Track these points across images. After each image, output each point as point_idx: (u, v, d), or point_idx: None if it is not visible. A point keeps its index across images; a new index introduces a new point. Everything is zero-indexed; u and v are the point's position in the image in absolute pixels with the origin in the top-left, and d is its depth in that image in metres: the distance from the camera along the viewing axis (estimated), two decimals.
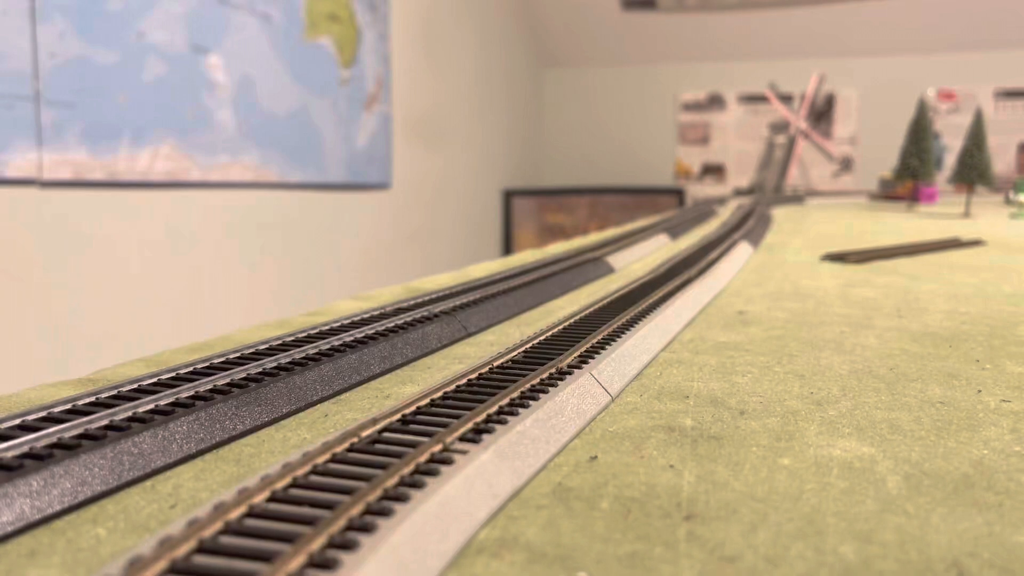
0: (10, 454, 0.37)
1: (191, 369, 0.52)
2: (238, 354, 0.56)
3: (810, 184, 4.60)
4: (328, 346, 0.59)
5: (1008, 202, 3.25)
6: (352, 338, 0.61)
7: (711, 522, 0.35)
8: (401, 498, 0.33)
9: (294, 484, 0.34)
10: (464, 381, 0.49)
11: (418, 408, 0.44)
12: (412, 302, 0.78)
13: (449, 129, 3.69)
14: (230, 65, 2.23)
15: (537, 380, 0.49)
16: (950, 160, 4.28)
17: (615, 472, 0.40)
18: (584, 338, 0.61)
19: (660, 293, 0.82)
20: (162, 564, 0.27)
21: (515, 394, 0.46)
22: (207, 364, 0.53)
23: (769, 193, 4.12)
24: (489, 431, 0.41)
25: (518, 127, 4.63)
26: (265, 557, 0.28)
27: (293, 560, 0.27)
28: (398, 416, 0.43)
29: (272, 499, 0.33)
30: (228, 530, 0.30)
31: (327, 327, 0.66)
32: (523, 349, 0.57)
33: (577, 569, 0.31)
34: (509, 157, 4.49)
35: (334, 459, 0.37)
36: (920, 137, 2.81)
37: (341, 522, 0.30)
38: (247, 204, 2.37)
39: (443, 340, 0.68)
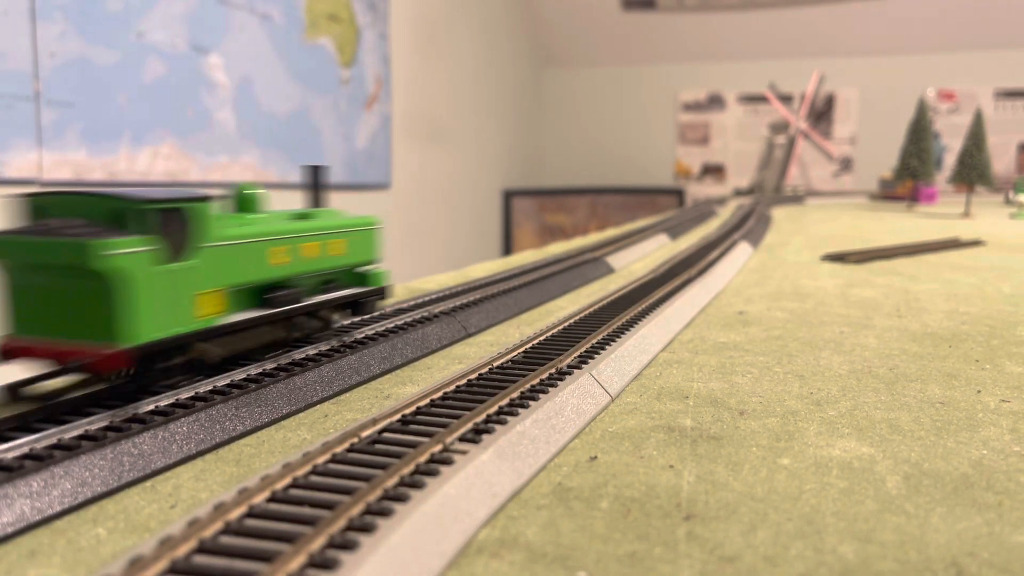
0: (11, 455, 0.37)
1: None
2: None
3: (810, 184, 4.60)
4: (328, 346, 0.59)
5: (1008, 202, 3.25)
6: (352, 338, 0.61)
7: (711, 522, 0.35)
8: (401, 498, 0.33)
9: (294, 484, 0.34)
10: (464, 381, 0.49)
11: (418, 408, 0.44)
12: (412, 302, 0.78)
13: (449, 129, 3.69)
14: (230, 65, 2.23)
15: (537, 380, 0.49)
16: (950, 160, 4.28)
17: (615, 472, 0.40)
18: (584, 338, 0.61)
19: (660, 293, 0.82)
20: (162, 564, 0.27)
21: (515, 394, 0.46)
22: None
23: (769, 193, 4.12)
24: (489, 431, 0.41)
25: (518, 127, 4.63)
26: (265, 557, 0.28)
27: (293, 560, 0.27)
28: (398, 416, 0.43)
29: (272, 499, 0.33)
30: (228, 530, 0.30)
31: None
32: (523, 349, 0.57)
33: (577, 569, 0.31)
34: (509, 157, 4.49)
35: (334, 459, 0.37)
36: (920, 137, 2.81)
37: (341, 522, 0.30)
38: None
39: (443, 340, 0.69)
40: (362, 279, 0.63)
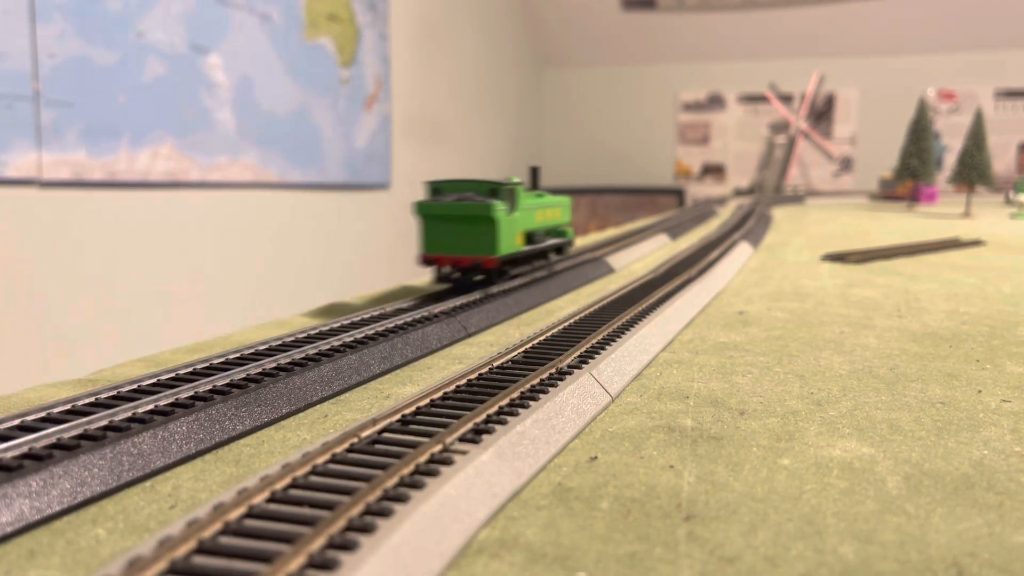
0: (9, 455, 0.37)
1: (191, 369, 0.52)
2: (238, 354, 0.56)
3: (810, 184, 4.60)
4: (328, 346, 0.59)
5: (1008, 202, 3.25)
6: (352, 338, 0.61)
7: (711, 522, 0.35)
8: (401, 498, 0.33)
9: (294, 484, 0.34)
10: (464, 381, 0.49)
11: (418, 408, 0.44)
12: (412, 302, 0.78)
13: (449, 129, 3.69)
14: (230, 65, 2.23)
15: (537, 380, 0.49)
16: (950, 160, 4.28)
17: (615, 472, 0.40)
18: (584, 338, 0.61)
19: (660, 293, 0.82)
20: (162, 564, 0.27)
21: (515, 394, 0.46)
22: (207, 364, 0.53)
23: (769, 193, 4.12)
24: (489, 431, 0.41)
25: (518, 127, 4.63)
26: (265, 558, 0.28)
27: (293, 561, 0.27)
28: (398, 416, 0.42)
29: (272, 499, 0.33)
30: (228, 530, 0.30)
31: (327, 327, 0.65)
32: (523, 349, 0.57)
33: (577, 569, 0.31)
34: (509, 157, 4.49)
35: (334, 459, 0.37)
36: (920, 137, 2.81)
37: (341, 522, 0.30)
38: (247, 204, 2.37)
39: (443, 340, 0.68)
40: (562, 233, 1.03)
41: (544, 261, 0.99)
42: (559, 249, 1.02)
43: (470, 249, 0.82)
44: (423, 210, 0.83)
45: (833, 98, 4.57)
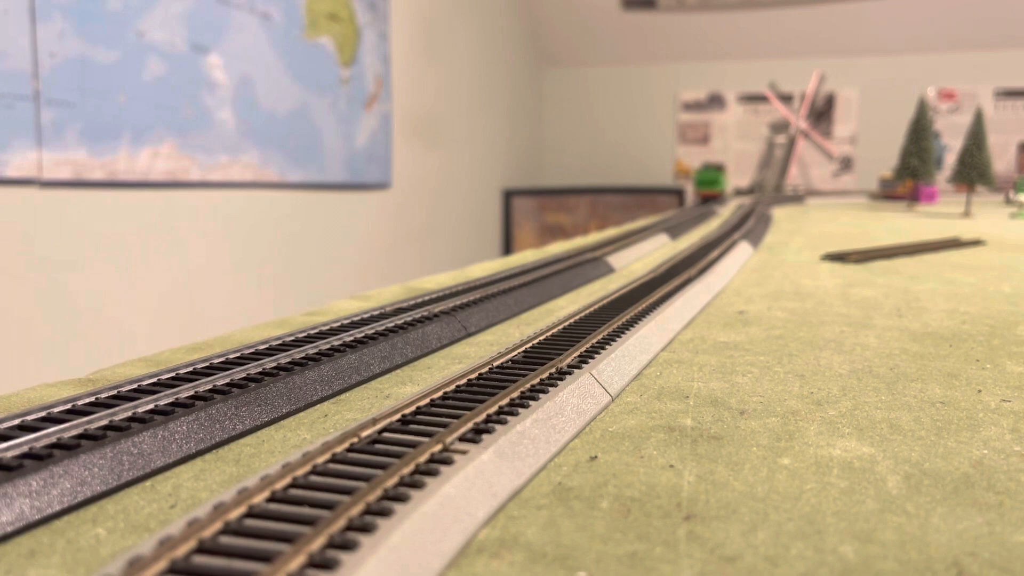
0: (10, 454, 0.37)
1: (191, 369, 0.52)
2: (238, 354, 0.56)
3: (810, 184, 4.60)
4: (328, 346, 0.59)
5: (1008, 202, 3.25)
6: (352, 338, 0.61)
7: (711, 522, 0.35)
8: (401, 498, 0.33)
9: (294, 484, 0.34)
10: (464, 381, 0.49)
11: (418, 408, 0.44)
12: (412, 302, 0.78)
13: (449, 129, 3.69)
14: (230, 65, 2.23)
15: (537, 380, 0.49)
16: (950, 160, 4.28)
17: (615, 472, 0.40)
18: (584, 338, 0.61)
19: (660, 293, 0.82)
20: (162, 564, 0.27)
21: (515, 394, 0.46)
22: (207, 364, 0.53)
23: (769, 193, 4.12)
24: (489, 431, 0.41)
25: (518, 127, 4.63)
26: (265, 557, 0.28)
27: (293, 560, 0.27)
28: (398, 416, 0.43)
29: (272, 499, 0.33)
30: (228, 530, 0.30)
31: (327, 327, 0.66)
32: (523, 349, 0.57)
33: (577, 569, 0.31)
34: (509, 157, 4.49)
35: (334, 459, 0.37)
36: (920, 137, 2.81)
37: (341, 522, 0.30)
38: (247, 204, 2.37)
39: (443, 340, 0.68)
40: (723, 189, 4.00)
41: (723, 197, 3.38)
42: (719, 198, 3.26)
43: (713, 188, 3.88)
44: (698, 175, 3.94)
45: (833, 98, 4.57)
